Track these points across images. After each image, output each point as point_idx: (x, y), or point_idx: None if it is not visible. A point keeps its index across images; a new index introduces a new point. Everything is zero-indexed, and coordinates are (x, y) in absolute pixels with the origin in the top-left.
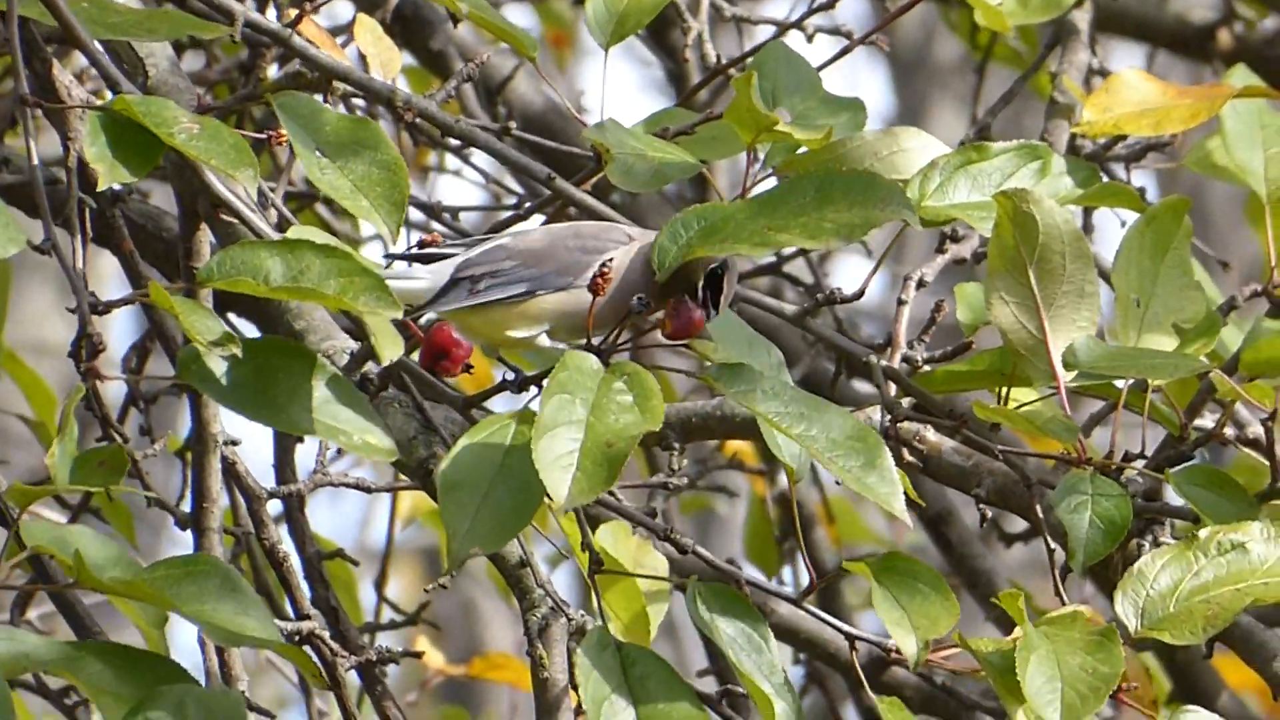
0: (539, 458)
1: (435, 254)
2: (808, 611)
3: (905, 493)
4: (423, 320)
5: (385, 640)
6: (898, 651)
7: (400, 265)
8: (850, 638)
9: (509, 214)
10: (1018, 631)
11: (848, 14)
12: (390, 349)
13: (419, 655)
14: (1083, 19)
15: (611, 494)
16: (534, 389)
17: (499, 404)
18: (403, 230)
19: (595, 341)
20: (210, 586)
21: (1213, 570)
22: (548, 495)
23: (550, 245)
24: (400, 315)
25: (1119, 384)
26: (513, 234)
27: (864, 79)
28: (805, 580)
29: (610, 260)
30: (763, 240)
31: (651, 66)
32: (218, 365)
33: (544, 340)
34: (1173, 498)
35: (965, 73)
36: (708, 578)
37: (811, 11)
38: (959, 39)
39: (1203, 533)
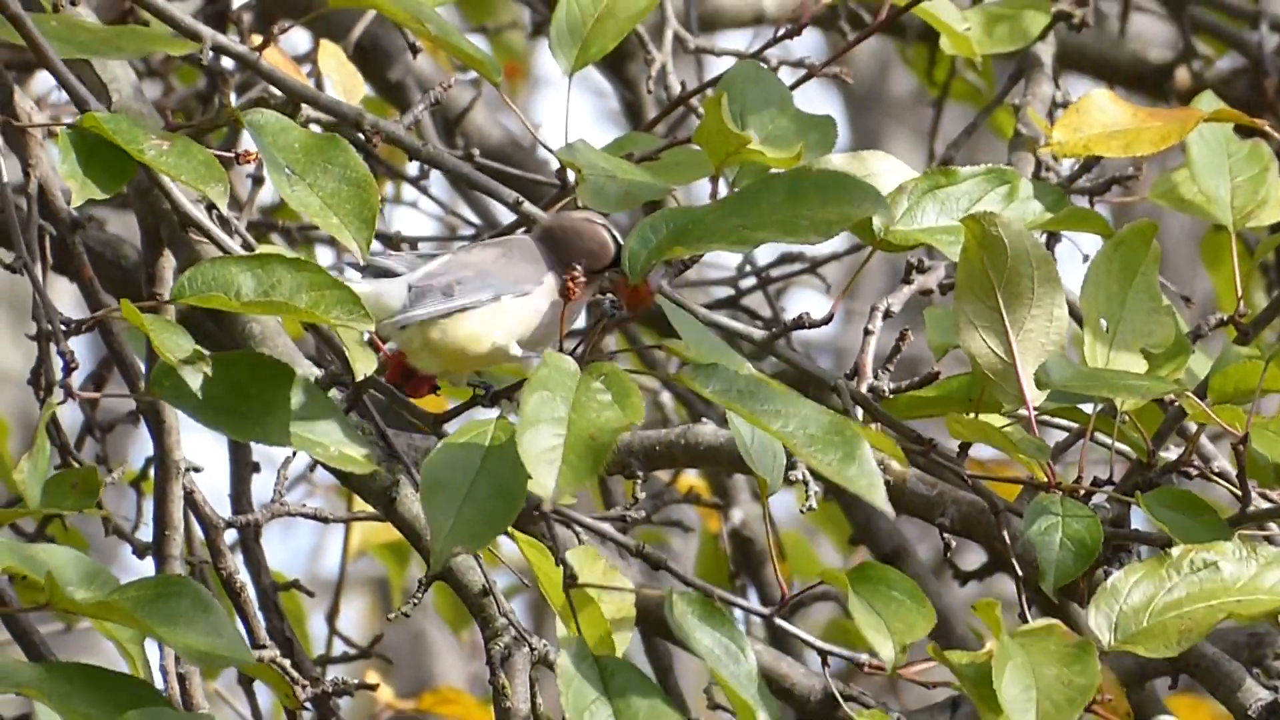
0: (524, 451)
1: (379, 267)
2: (781, 627)
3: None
4: (389, 346)
5: (336, 673)
6: (870, 666)
7: (352, 276)
8: (823, 653)
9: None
10: (990, 643)
11: (803, 48)
12: (363, 363)
13: (373, 688)
14: (1046, 52)
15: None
16: (506, 403)
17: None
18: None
19: (568, 347)
20: (182, 607)
21: (1185, 587)
22: (529, 494)
23: (499, 257)
24: (373, 328)
25: (1087, 409)
26: (452, 251)
27: (818, 112)
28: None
29: (581, 263)
30: (739, 238)
31: (606, 98)
32: (193, 379)
33: (515, 350)
34: (1140, 525)
35: (919, 107)
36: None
37: (775, 40)
38: (914, 74)
39: (1175, 551)
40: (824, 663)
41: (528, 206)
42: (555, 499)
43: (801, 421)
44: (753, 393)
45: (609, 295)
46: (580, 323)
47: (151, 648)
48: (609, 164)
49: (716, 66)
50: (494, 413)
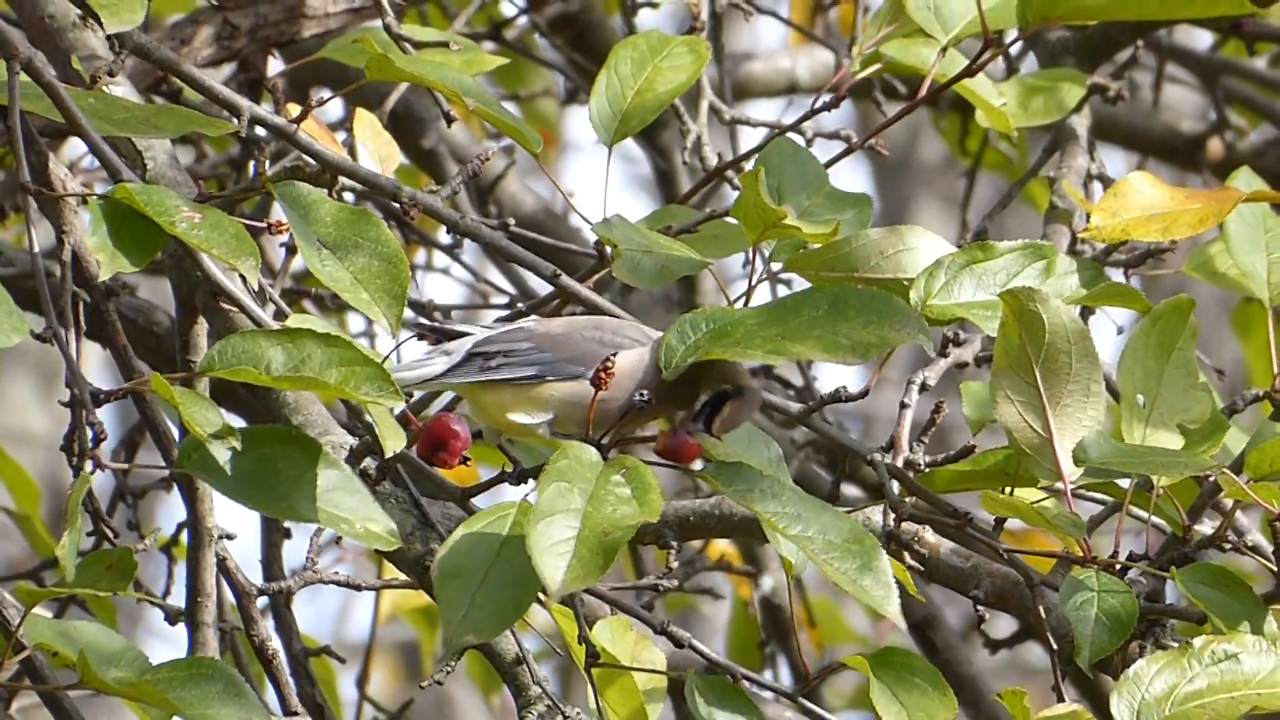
0: (534, 543)
1: (456, 331)
2: (802, 708)
3: (904, 588)
4: (425, 412)
5: None
6: None
7: (420, 351)
8: None
9: (504, 312)
10: None
11: (835, 118)
12: (393, 440)
13: None
14: (1082, 124)
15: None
16: (533, 482)
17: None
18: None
19: (596, 436)
20: (214, 690)
21: (1206, 678)
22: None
23: (569, 333)
24: (403, 405)
25: (1123, 484)
26: (536, 319)
27: (848, 179)
28: (788, 683)
29: (615, 355)
30: (775, 349)
31: (636, 164)
32: (221, 454)
33: (544, 432)
34: (1174, 600)
35: (949, 174)
36: (702, 672)
37: (813, 112)
38: (946, 144)
39: (1197, 642)
40: None
41: (565, 280)
42: (560, 595)
43: (821, 528)
44: (775, 494)
45: (640, 392)
46: None
47: None
48: (645, 239)
49: (750, 135)
50: (524, 489)
